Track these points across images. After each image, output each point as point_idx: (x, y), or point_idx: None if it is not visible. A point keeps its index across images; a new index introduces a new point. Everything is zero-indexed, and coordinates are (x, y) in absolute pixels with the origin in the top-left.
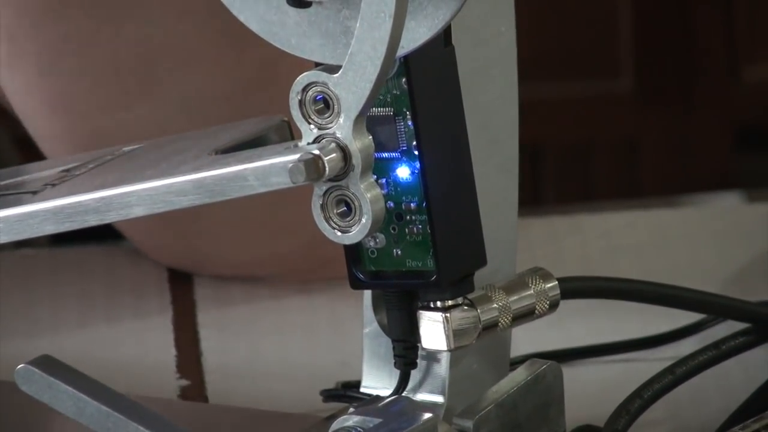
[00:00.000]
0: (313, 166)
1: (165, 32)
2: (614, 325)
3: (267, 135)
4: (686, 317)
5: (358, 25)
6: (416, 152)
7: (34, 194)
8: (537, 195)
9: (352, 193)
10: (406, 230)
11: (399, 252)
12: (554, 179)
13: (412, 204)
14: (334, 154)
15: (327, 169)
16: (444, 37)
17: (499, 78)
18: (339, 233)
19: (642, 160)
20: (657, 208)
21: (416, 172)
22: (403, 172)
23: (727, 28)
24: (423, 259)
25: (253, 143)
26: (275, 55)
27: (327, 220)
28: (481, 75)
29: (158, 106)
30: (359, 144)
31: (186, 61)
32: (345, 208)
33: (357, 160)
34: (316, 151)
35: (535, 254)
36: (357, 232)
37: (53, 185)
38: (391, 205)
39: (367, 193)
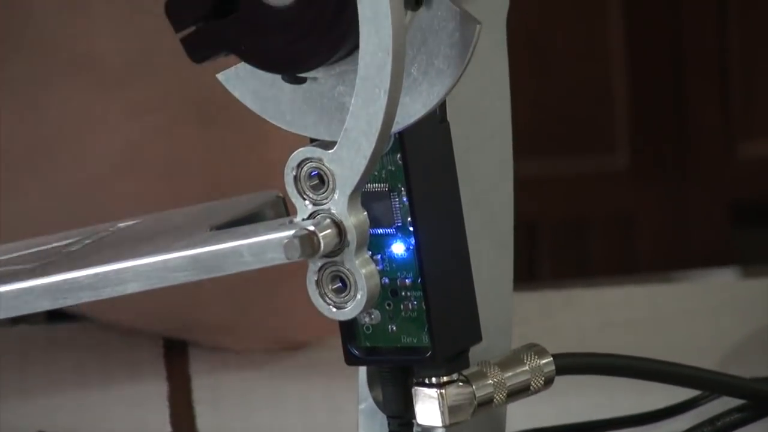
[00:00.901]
0: (308, 242)
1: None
2: (609, 401)
3: (262, 211)
4: (681, 393)
5: (353, 101)
6: (411, 228)
7: (30, 270)
8: (532, 270)
9: (347, 269)
10: (401, 306)
11: (394, 328)
12: (550, 255)
13: (407, 280)
14: (329, 230)
15: (322, 245)
16: (439, 113)
17: (495, 154)
18: (334, 309)
19: (637, 236)
20: (652, 283)
21: (411, 248)
22: (398, 249)
23: (723, 103)
24: (418, 336)
25: (249, 219)
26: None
27: (322, 296)
28: (476, 151)
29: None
30: (354, 220)
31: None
32: (340, 284)
33: (352, 236)
34: (311, 227)
35: (530, 329)
36: (352, 308)
37: (49, 261)
38: (386, 281)
39: (362, 269)
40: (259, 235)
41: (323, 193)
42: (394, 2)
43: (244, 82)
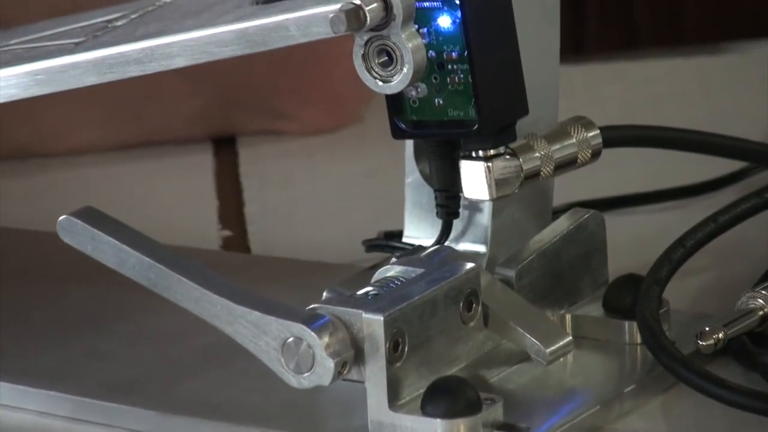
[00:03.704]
0: (354, 15)
1: None
2: (657, 173)
3: None
4: (729, 165)
5: None
6: (457, 1)
7: (76, 45)
8: (578, 42)
9: (393, 43)
10: (448, 79)
11: (440, 101)
12: (596, 27)
13: (453, 53)
14: (374, 4)
15: (368, 18)
16: None
17: None
18: (380, 83)
19: (685, 6)
20: (700, 54)
21: (457, 21)
22: (445, 22)
23: None
24: (464, 109)
25: None
26: None
27: (368, 70)
28: None
29: None
30: None
31: None
32: (386, 57)
33: (398, 10)
34: (357, 1)
35: (577, 102)
36: (398, 81)
37: (95, 36)
38: (433, 54)
39: (409, 43)
40: (306, 9)
41: None
42: None
43: None
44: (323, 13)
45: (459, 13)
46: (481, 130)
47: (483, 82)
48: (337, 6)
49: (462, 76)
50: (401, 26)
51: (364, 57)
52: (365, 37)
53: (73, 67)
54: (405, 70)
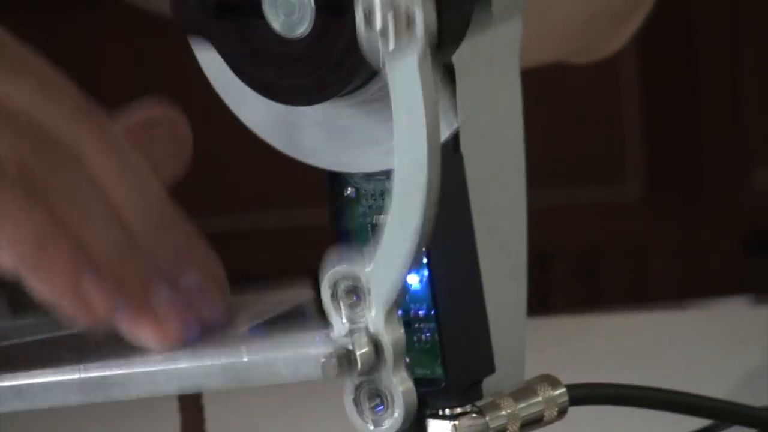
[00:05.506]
0: (345, 361)
1: None
2: (623, 429)
3: (295, 310)
4: (695, 423)
5: (389, 217)
6: (425, 260)
7: (69, 362)
8: (545, 301)
9: (385, 387)
10: (415, 338)
11: (407, 360)
12: (562, 286)
13: (420, 312)
14: (366, 349)
15: (359, 363)
16: (452, 143)
17: (508, 185)
18: (372, 427)
19: (651, 266)
20: (665, 311)
21: (424, 280)
22: (412, 280)
23: (737, 133)
24: (431, 367)
25: (283, 317)
26: None
27: (360, 414)
28: (489, 182)
29: None
30: (391, 337)
31: None
32: (378, 401)
33: (389, 354)
34: (349, 347)
35: (543, 356)
36: (389, 426)
37: (84, 356)
38: (400, 313)
39: (400, 387)
40: (295, 348)
41: (360, 310)
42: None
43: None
44: (314, 356)
45: (426, 272)
46: (448, 388)
47: (450, 342)
48: (329, 349)
49: (429, 334)
50: (392, 370)
51: (356, 401)
52: (357, 381)
53: (57, 386)
54: (396, 414)
